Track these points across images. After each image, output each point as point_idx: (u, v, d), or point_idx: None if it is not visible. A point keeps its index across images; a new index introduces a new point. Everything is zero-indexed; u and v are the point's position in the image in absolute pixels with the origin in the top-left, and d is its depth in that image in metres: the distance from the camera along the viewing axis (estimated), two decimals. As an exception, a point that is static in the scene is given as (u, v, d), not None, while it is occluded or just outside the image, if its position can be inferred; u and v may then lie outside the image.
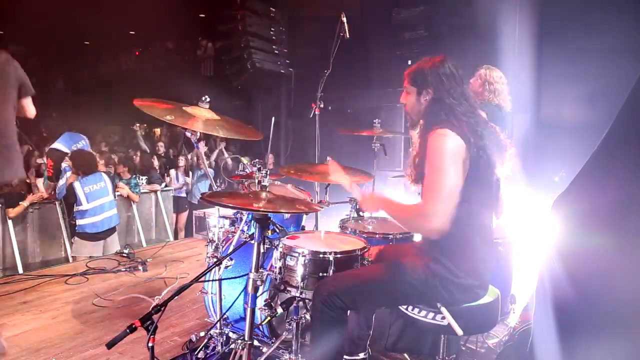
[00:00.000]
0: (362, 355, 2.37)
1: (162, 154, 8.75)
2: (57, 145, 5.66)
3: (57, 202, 5.89)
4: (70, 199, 5.18)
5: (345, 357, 2.33)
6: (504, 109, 3.49)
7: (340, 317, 2.02)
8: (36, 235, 5.88)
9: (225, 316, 2.67)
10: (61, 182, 5.33)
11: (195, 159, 7.84)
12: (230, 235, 2.88)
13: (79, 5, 9.02)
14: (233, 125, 2.73)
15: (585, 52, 5.13)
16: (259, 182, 2.21)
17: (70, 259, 5.54)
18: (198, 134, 2.74)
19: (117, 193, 6.63)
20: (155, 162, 7.89)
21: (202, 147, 8.03)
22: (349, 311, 2.10)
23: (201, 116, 2.59)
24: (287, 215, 2.92)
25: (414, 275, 1.95)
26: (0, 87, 2.69)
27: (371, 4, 7.02)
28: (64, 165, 5.39)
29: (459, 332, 1.91)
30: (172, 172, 7.82)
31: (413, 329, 2.27)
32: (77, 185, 5.07)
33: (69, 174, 5.28)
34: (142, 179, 7.08)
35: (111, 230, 5.40)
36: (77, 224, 5.17)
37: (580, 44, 5.20)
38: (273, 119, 3.81)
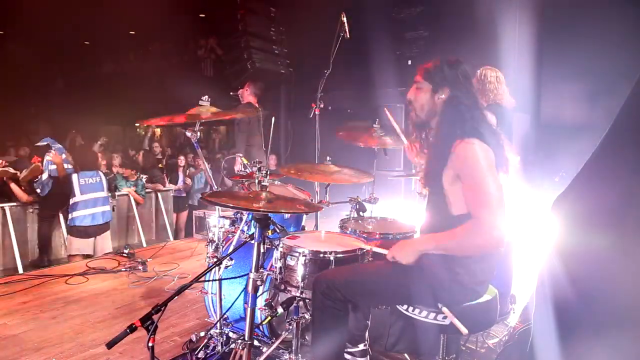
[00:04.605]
0: (361, 346, 2.37)
1: (160, 154, 8.76)
2: (41, 143, 5.84)
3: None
4: (66, 189, 5.33)
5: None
6: (504, 107, 3.49)
7: (340, 308, 2.02)
8: (36, 235, 5.89)
9: (225, 316, 2.67)
10: (44, 176, 5.53)
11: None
12: (230, 235, 2.88)
13: (79, 5, 9.01)
14: (234, 110, 2.79)
15: (585, 52, 5.13)
16: (259, 182, 2.21)
17: (68, 259, 5.56)
18: (198, 134, 2.75)
19: (119, 193, 6.69)
20: (162, 162, 7.91)
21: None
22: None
23: (205, 112, 2.62)
24: (287, 215, 2.92)
25: (415, 275, 1.95)
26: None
27: (371, 4, 7.01)
28: (46, 158, 5.56)
29: (464, 330, 1.90)
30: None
31: (413, 329, 2.27)
32: (74, 177, 5.29)
33: (51, 167, 5.50)
34: (142, 178, 7.09)
35: (103, 228, 5.47)
36: (69, 217, 5.30)
37: (580, 44, 5.20)
38: (273, 119, 3.82)
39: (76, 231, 5.28)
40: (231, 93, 5.48)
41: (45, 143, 5.69)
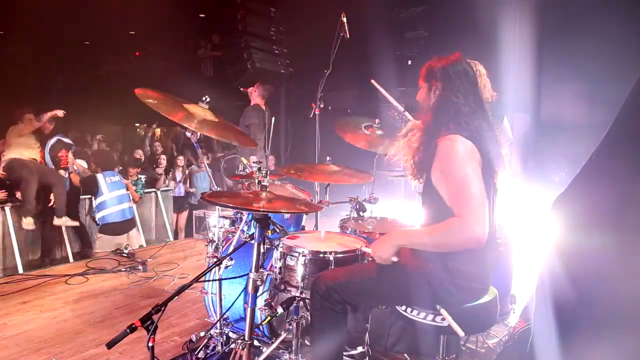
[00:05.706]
0: (360, 349, 2.37)
1: (160, 154, 8.74)
2: (60, 137, 6.02)
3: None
4: (91, 189, 5.53)
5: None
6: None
7: (338, 309, 2.02)
8: (36, 235, 5.88)
9: (225, 316, 2.67)
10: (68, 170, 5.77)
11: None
12: (230, 235, 2.88)
13: (79, 5, 9.01)
14: (228, 130, 2.75)
15: (585, 52, 5.13)
16: (259, 182, 2.21)
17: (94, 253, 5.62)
18: (198, 134, 2.74)
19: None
20: (163, 162, 7.90)
21: None
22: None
23: (199, 115, 2.60)
24: (287, 215, 2.92)
25: (413, 276, 1.95)
26: None
27: (371, 4, 7.00)
28: (69, 156, 5.83)
29: (461, 333, 1.90)
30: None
31: (413, 330, 2.27)
32: (99, 177, 5.49)
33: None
34: (142, 178, 7.09)
35: (131, 223, 5.72)
36: (98, 216, 5.48)
37: (580, 44, 5.19)
38: (273, 119, 3.82)
39: (108, 229, 5.46)
40: (241, 89, 5.51)
41: (56, 139, 5.83)
